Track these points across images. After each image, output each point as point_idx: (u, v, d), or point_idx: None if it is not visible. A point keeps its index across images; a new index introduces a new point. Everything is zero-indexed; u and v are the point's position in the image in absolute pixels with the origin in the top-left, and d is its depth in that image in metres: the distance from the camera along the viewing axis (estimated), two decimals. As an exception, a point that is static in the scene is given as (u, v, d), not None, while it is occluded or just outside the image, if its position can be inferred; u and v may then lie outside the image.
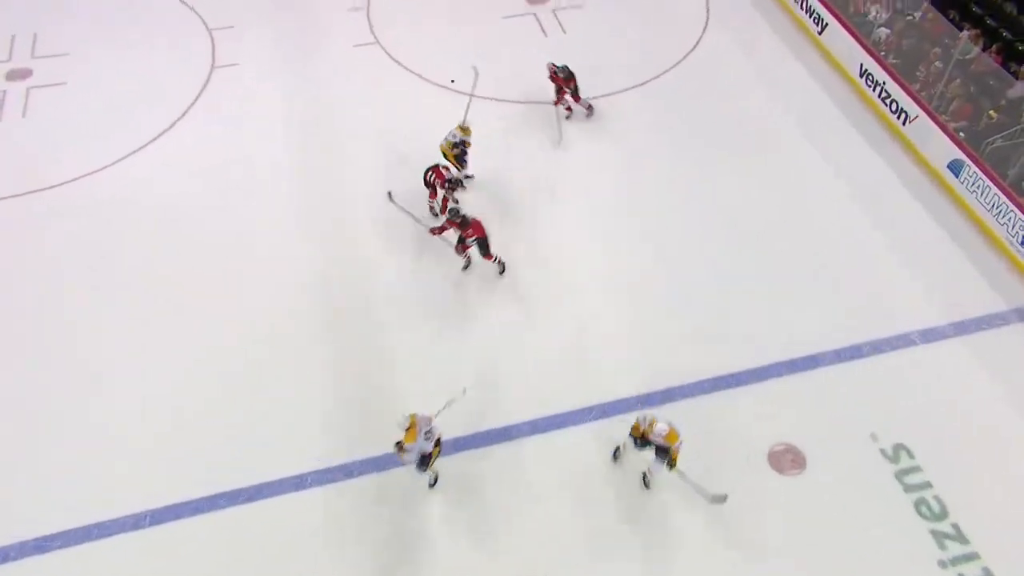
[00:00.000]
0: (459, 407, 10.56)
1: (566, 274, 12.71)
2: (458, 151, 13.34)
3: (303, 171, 14.25)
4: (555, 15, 17.63)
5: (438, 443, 9.79)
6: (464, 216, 11.99)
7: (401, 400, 10.88)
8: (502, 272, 12.54)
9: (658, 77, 16.03)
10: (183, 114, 15.31)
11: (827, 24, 16.46)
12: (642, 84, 15.77)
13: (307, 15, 17.62)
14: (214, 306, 12.24)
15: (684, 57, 16.60)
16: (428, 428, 9.57)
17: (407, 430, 9.46)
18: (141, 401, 11.19)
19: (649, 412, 9.66)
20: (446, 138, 13.35)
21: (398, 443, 9.44)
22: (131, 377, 11.45)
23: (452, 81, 15.94)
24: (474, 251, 12.42)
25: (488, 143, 14.13)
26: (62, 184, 14.00)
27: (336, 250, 12.99)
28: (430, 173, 12.85)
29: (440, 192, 12.91)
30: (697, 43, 16.96)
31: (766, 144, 14.76)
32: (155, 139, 14.81)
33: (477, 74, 14.11)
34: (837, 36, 16.21)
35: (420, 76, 16.10)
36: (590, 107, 15.18)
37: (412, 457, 9.58)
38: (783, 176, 14.20)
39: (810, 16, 16.93)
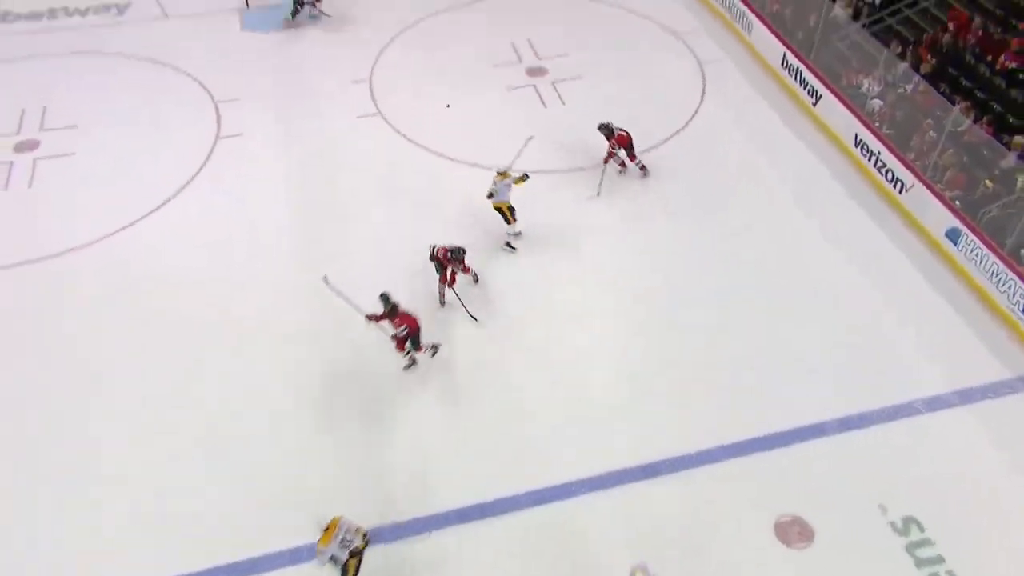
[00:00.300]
0: (449, 478, 10.46)
1: (560, 342, 12.62)
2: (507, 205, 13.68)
3: (305, 240, 14.30)
4: (554, 87, 17.93)
5: (356, 555, 9.27)
6: (394, 305, 11.54)
7: (393, 469, 10.83)
8: (433, 355, 12.20)
9: (656, 147, 16.23)
10: (187, 183, 15.44)
11: (821, 96, 16.75)
12: (640, 153, 15.88)
13: (310, 87, 17.97)
14: (212, 371, 12.18)
15: (683, 127, 16.85)
16: (348, 536, 9.14)
17: (325, 530, 9.10)
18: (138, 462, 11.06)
19: (642, 563, 9.20)
20: (489, 190, 13.60)
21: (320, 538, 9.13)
22: (126, 457, 11.30)
23: (448, 106, 17.02)
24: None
25: (483, 211, 14.26)
26: (63, 253, 14.03)
27: (336, 317, 12.73)
28: (434, 250, 12.66)
29: (448, 270, 12.73)
30: (694, 114, 17.23)
31: (765, 214, 14.88)
32: (159, 208, 14.91)
33: (530, 139, 14.45)
34: (831, 107, 16.49)
35: (423, 146, 16.26)
36: (643, 168, 15.52)
37: (323, 560, 9.16)
38: (782, 245, 14.26)
39: (804, 88, 17.25)
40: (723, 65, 18.70)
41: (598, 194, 15.14)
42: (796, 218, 14.75)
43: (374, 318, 11.57)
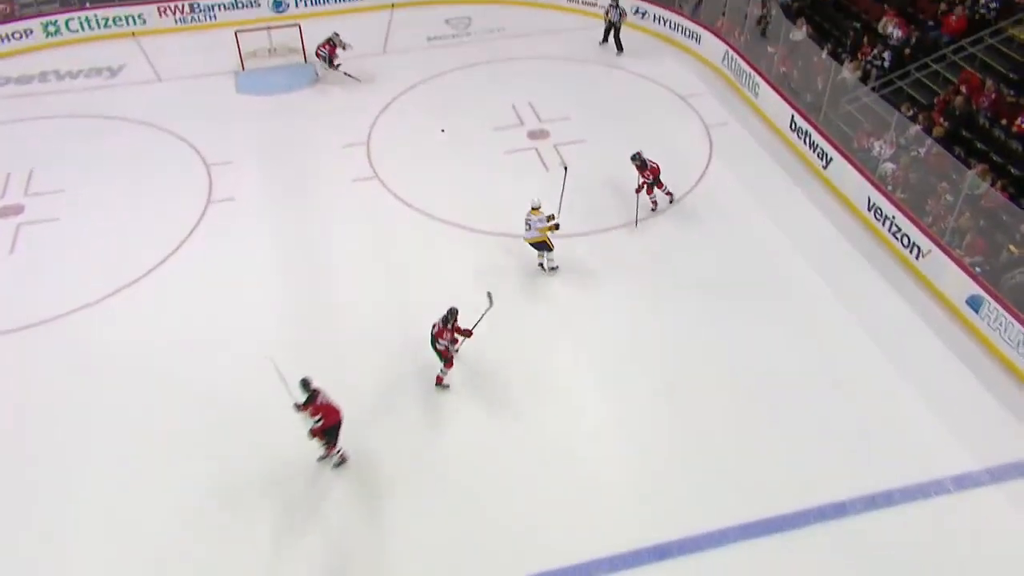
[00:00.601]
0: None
1: (565, 417, 12.30)
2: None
3: (296, 309, 14.08)
4: (556, 150, 17.95)
5: None
6: (313, 391, 10.93)
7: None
8: (336, 465, 11.57)
9: (663, 212, 16.17)
10: (176, 249, 15.32)
11: (831, 159, 16.72)
12: (644, 219, 15.92)
13: (305, 150, 18.01)
14: (193, 458, 11.80)
15: (690, 190, 16.80)
16: None
17: None
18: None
19: None
20: (532, 225, 14.12)
21: None
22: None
23: (442, 131, 18.15)
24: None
25: (481, 278, 14.13)
26: (45, 322, 13.83)
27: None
28: (438, 337, 12.20)
29: (457, 343, 12.34)
30: (701, 177, 17.21)
31: (777, 280, 14.67)
32: (146, 275, 14.74)
33: (566, 170, 14.94)
34: (842, 170, 16.44)
35: (421, 211, 16.22)
36: (670, 194, 16.35)
37: None
38: (796, 312, 14.02)
39: (813, 151, 17.25)
40: (730, 128, 18.77)
41: (636, 225, 15.78)
42: (810, 284, 14.56)
43: (301, 408, 11.00)
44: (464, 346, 12.50)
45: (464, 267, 14.76)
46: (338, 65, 20.33)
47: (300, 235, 15.68)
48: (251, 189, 16.83)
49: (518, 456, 11.72)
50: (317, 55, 20.31)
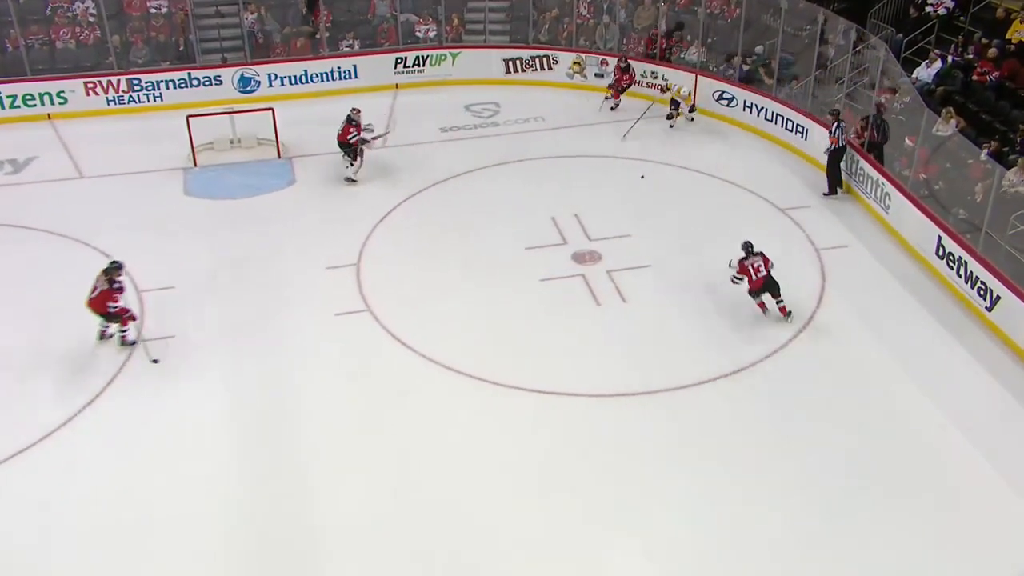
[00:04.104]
0: None
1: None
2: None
3: (254, 501, 13.32)
4: (611, 278, 17.80)
5: None
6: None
7: None
8: None
9: (751, 366, 15.60)
10: (82, 408, 14.78)
11: (999, 297, 16.04)
12: (732, 373, 15.43)
13: (274, 274, 18.08)
14: None
15: (793, 337, 16.28)
16: None
17: None
18: None
19: None
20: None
21: None
22: None
23: (642, 176, 21.12)
24: None
25: (528, 451, 13.80)
26: None
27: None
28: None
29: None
30: (810, 319, 16.76)
31: (925, 469, 13.67)
32: (37, 444, 14.11)
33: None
34: (1017, 314, 15.69)
35: (428, 358, 15.86)
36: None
37: None
38: (958, 519, 12.91)
39: (972, 285, 16.67)
40: (851, 253, 18.58)
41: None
42: (976, 475, 13.56)
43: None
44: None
45: (493, 442, 14.32)
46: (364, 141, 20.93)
47: (261, 391, 15.29)
48: (197, 326, 16.61)
49: None
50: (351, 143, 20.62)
